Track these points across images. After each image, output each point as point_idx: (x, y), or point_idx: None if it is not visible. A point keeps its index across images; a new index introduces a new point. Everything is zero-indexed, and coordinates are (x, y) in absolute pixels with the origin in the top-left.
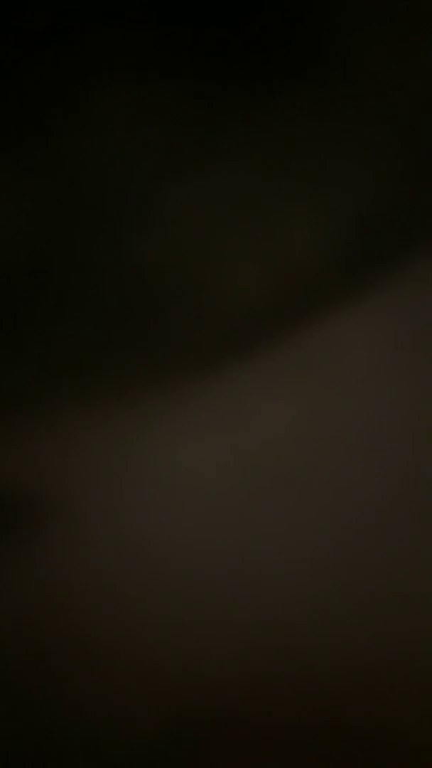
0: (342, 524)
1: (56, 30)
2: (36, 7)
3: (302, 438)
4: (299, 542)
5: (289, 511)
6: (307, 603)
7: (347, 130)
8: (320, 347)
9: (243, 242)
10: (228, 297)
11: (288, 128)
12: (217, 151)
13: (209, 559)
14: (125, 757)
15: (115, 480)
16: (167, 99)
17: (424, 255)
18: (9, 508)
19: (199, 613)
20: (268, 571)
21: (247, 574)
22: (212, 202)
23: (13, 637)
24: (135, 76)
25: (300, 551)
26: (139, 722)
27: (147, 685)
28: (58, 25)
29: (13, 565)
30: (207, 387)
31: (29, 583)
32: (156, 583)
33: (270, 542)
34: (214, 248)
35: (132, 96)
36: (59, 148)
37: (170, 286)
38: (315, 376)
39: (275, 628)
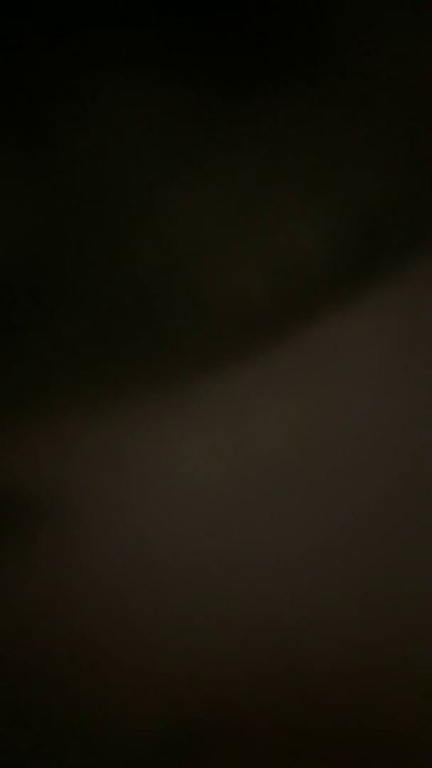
0: (342, 524)
1: (56, 30)
2: (36, 6)
3: (302, 438)
4: (299, 542)
5: (289, 511)
6: (306, 603)
7: (348, 130)
8: (321, 347)
9: (243, 242)
10: (228, 297)
11: (288, 128)
12: (217, 151)
13: (209, 559)
14: (125, 757)
15: (115, 480)
16: (167, 98)
17: (425, 255)
18: (9, 508)
19: (199, 613)
20: (269, 571)
21: (248, 574)
22: (212, 202)
23: (12, 636)
24: (135, 76)
25: (300, 551)
26: (138, 722)
27: (147, 685)
28: (58, 25)
29: (12, 565)
30: (207, 387)
31: (29, 583)
32: (156, 583)
33: (270, 542)
34: (215, 248)
35: (132, 96)
36: (58, 147)
37: (170, 286)
38: (316, 377)
39: (275, 628)
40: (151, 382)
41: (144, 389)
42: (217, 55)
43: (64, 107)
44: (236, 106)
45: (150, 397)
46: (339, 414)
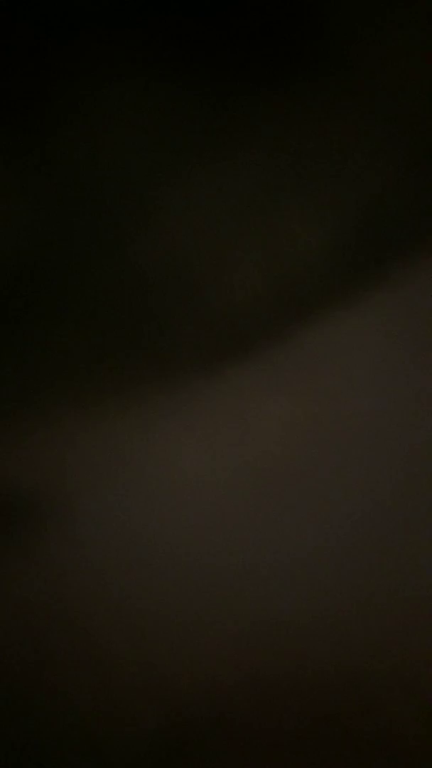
0: (342, 524)
1: (56, 30)
2: (36, 7)
3: (302, 438)
4: (300, 542)
5: (289, 512)
6: (307, 603)
7: (350, 130)
8: (321, 347)
9: (244, 242)
10: (228, 297)
11: (289, 128)
12: (217, 151)
13: (209, 559)
14: (125, 758)
15: (114, 480)
16: (167, 99)
17: (426, 255)
18: (9, 509)
19: (199, 614)
20: (269, 571)
21: (248, 575)
22: (212, 202)
23: (12, 637)
24: (135, 76)
25: (300, 551)
26: (138, 722)
27: (147, 686)
28: (57, 25)
29: (12, 566)
30: (207, 387)
31: (29, 584)
32: (156, 584)
33: (270, 542)
34: (215, 248)
35: (132, 96)
36: (58, 148)
37: (170, 287)
38: (316, 377)
39: (275, 629)
40: (151, 382)
41: (144, 389)
42: (217, 56)
43: (64, 108)
44: (236, 105)
45: (150, 397)
46: (339, 414)
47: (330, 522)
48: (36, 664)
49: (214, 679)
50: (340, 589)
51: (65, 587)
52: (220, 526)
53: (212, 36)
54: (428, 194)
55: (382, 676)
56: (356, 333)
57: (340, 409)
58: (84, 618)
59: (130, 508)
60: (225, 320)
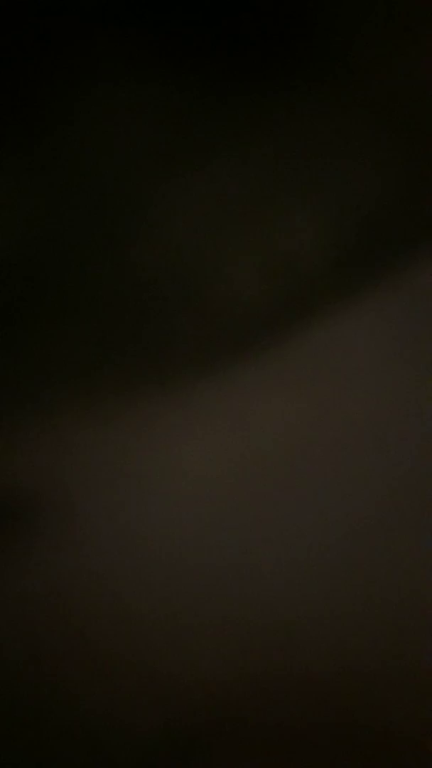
0: (342, 524)
1: (55, 30)
2: (35, 7)
3: (303, 438)
4: (300, 542)
5: (289, 511)
6: (307, 603)
7: (348, 130)
8: (321, 347)
9: (243, 242)
10: (228, 297)
11: (288, 128)
12: (217, 151)
13: (209, 559)
14: (125, 758)
15: (114, 480)
16: (167, 99)
17: (424, 255)
18: (9, 509)
19: (199, 613)
20: (269, 571)
21: (248, 574)
22: (212, 202)
23: (12, 637)
24: (134, 76)
25: (300, 551)
26: (139, 722)
27: (147, 686)
28: (57, 25)
29: (12, 565)
30: (207, 387)
31: (29, 584)
32: (156, 584)
33: (270, 542)
34: (214, 248)
35: (131, 96)
36: (57, 148)
37: (170, 286)
38: (316, 376)
39: (275, 629)
40: (151, 383)
41: (143, 389)
42: (216, 56)
43: (64, 107)
44: (235, 106)
45: (149, 396)
46: (338, 413)
47: (329, 521)
48: (36, 664)
49: (214, 679)
50: (340, 588)
51: (65, 587)
52: (220, 525)
53: (212, 36)
54: (428, 195)
55: (381, 675)
56: (356, 333)
57: (340, 408)
58: (84, 618)
59: (130, 508)
60: (225, 320)
